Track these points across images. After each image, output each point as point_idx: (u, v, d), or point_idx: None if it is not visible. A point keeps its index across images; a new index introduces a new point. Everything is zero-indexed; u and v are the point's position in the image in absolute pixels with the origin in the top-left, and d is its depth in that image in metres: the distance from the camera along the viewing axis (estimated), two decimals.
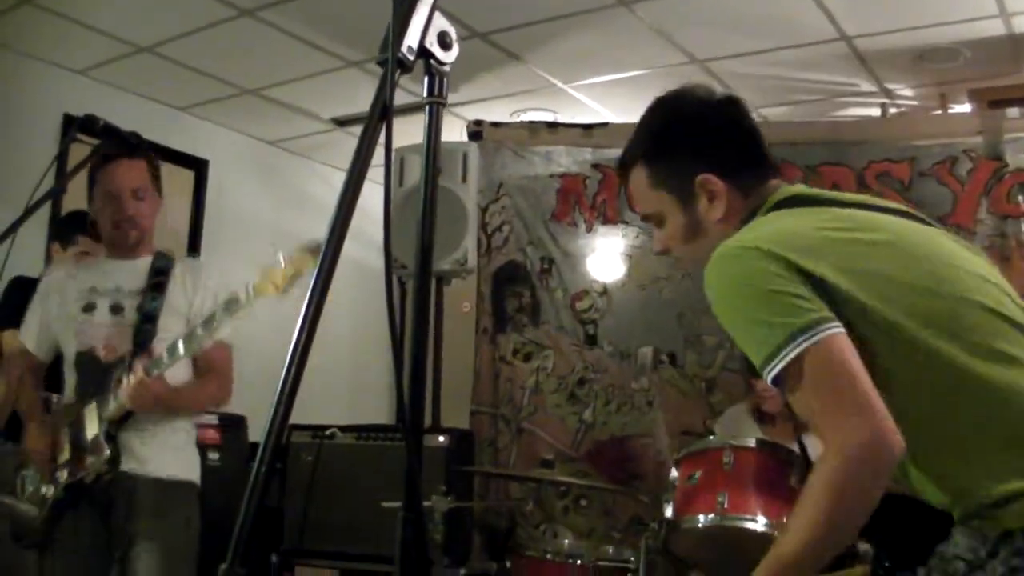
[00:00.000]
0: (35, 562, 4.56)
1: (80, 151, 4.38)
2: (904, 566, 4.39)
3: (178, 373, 4.55)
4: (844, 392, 2.21)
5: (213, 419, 6.87)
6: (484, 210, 7.96)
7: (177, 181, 8.55)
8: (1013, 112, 6.84)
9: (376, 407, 9.50)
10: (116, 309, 4.58)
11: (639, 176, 2.82)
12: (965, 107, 7.54)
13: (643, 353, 7.61)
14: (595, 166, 7.88)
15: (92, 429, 4.42)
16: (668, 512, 4.87)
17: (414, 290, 2.20)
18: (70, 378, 4.63)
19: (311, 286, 1.84)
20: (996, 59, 6.99)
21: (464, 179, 7.49)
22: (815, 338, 2.22)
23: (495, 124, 8.14)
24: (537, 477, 6.50)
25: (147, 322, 4.55)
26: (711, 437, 5.59)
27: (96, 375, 4.52)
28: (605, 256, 7.81)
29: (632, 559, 5.41)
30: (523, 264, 7.94)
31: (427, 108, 2.18)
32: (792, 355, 2.23)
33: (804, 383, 2.24)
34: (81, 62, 7.60)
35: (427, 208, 2.13)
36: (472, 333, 8.03)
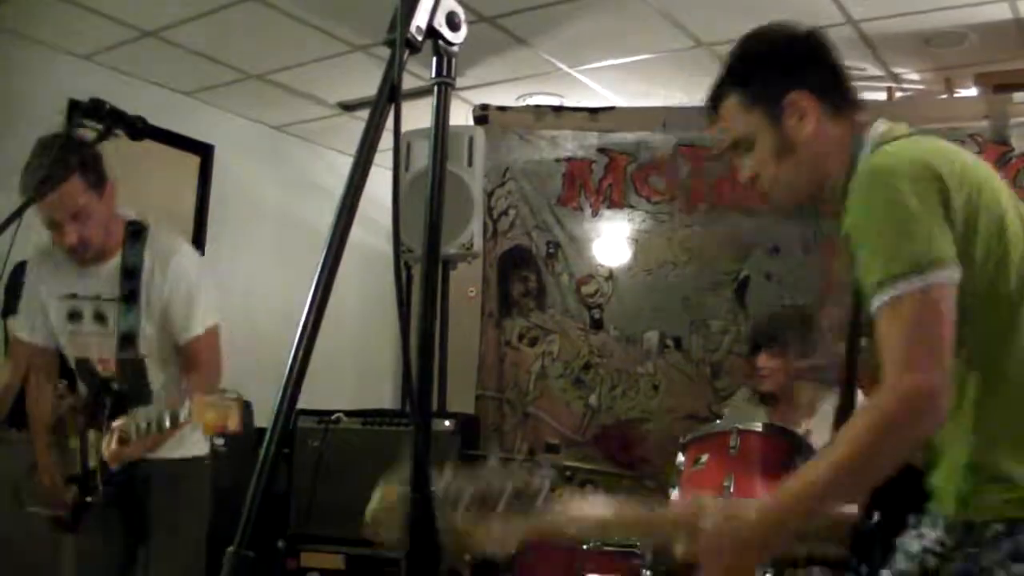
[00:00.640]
0: (70, 544, 4.64)
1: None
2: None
3: (168, 369, 4.63)
4: (931, 345, 2.28)
5: None
6: (490, 194, 7.96)
7: (183, 166, 8.55)
8: (1019, 96, 6.82)
9: (382, 392, 9.51)
10: (100, 318, 4.57)
11: (731, 102, 2.88)
12: (971, 91, 7.52)
13: (649, 337, 7.61)
14: (601, 150, 7.87)
15: (93, 461, 4.46)
16: (674, 496, 4.87)
17: (421, 269, 2.19)
18: (79, 379, 4.68)
19: (318, 270, 1.83)
20: (1002, 43, 6.97)
21: (470, 163, 7.50)
22: (928, 282, 2.29)
23: (501, 108, 8.13)
24: (543, 461, 6.51)
25: (126, 344, 4.53)
26: (717, 422, 5.57)
27: (96, 389, 4.58)
28: (611, 240, 7.81)
29: (638, 544, 5.41)
30: (529, 248, 7.94)
31: (435, 88, 2.17)
32: (901, 293, 2.30)
33: (899, 321, 2.32)
34: (86, 47, 7.58)
35: (435, 189, 2.12)
36: (478, 318, 8.04)
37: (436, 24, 2.09)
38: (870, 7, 6.60)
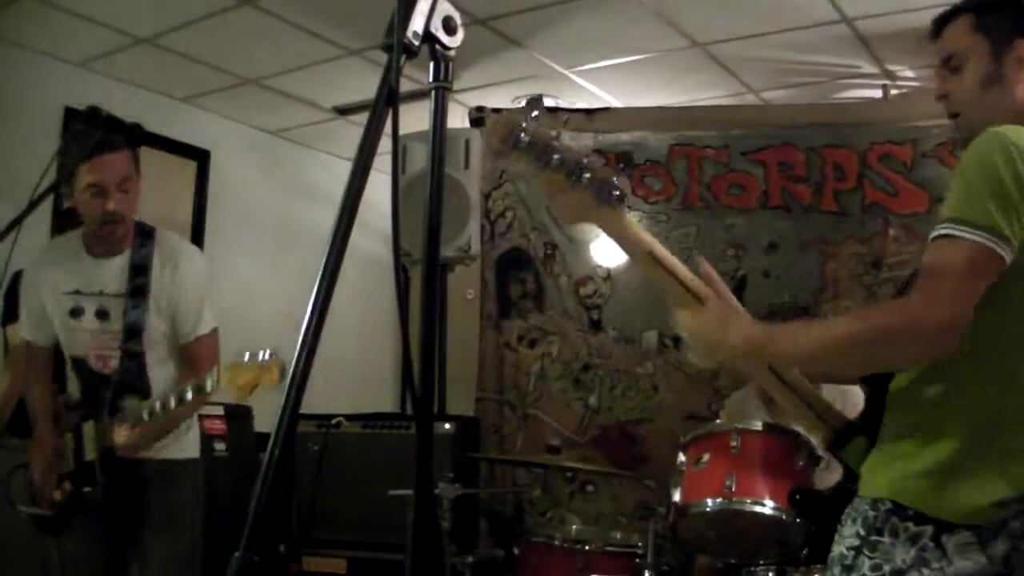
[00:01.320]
0: (57, 545, 4.63)
1: None
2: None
3: (167, 367, 4.63)
4: (961, 290, 2.48)
5: (219, 410, 6.87)
6: (487, 196, 7.97)
7: (179, 172, 8.55)
8: None
9: (382, 396, 9.51)
10: (102, 314, 4.58)
11: (962, 22, 2.98)
12: None
13: (647, 337, 7.61)
14: (597, 151, 7.86)
15: (90, 453, 4.47)
16: (676, 496, 4.87)
17: (421, 271, 2.20)
18: (73, 377, 4.68)
19: (319, 275, 1.84)
20: None
21: (467, 166, 7.51)
22: (986, 243, 2.47)
23: (497, 110, 8.13)
24: (543, 463, 6.52)
25: (132, 336, 4.55)
26: (718, 421, 5.58)
27: (91, 386, 4.60)
28: (608, 241, 7.78)
29: (640, 544, 5.43)
30: (527, 250, 7.95)
31: (433, 93, 2.18)
32: (963, 235, 2.49)
33: (947, 257, 2.51)
34: (81, 54, 7.58)
35: (434, 192, 2.13)
36: (476, 320, 8.04)
37: (433, 29, 2.11)
38: (864, 5, 6.60)
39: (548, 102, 8.31)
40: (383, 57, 2.03)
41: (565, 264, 7.86)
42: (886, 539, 2.62)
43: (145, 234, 4.73)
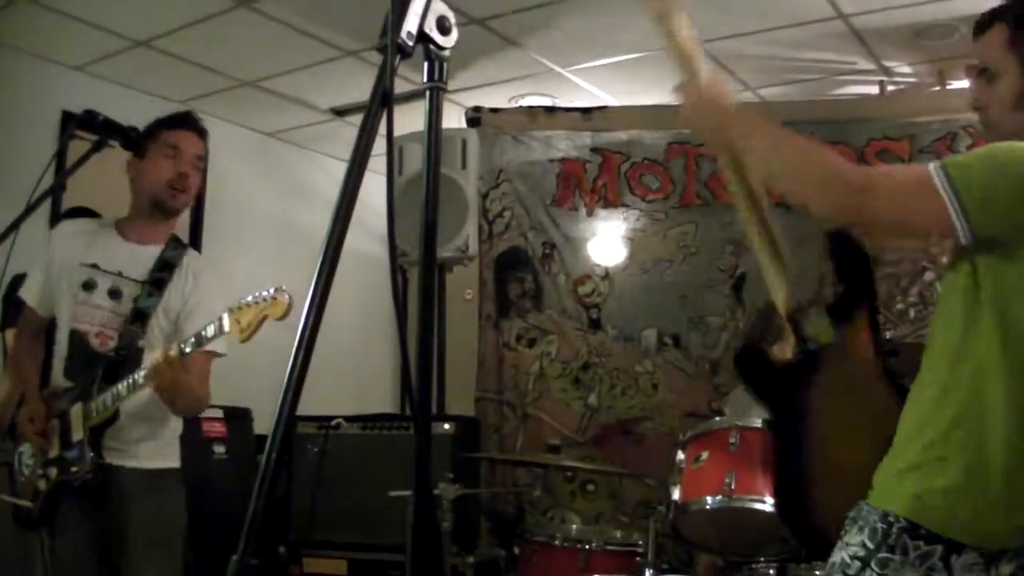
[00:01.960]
0: (39, 543, 4.61)
1: (79, 147, 4.35)
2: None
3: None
4: (895, 193, 2.76)
5: (218, 412, 6.87)
6: (484, 196, 7.97)
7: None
8: None
9: (381, 397, 9.50)
10: (115, 294, 4.56)
11: (998, 32, 2.97)
12: (963, 83, 7.52)
13: (647, 336, 7.62)
14: (595, 150, 7.88)
15: (78, 432, 4.44)
16: (675, 495, 4.88)
17: (418, 272, 2.20)
18: (61, 349, 4.62)
19: (315, 276, 1.84)
20: None
21: (464, 166, 7.50)
22: (950, 193, 2.62)
23: (494, 110, 8.14)
24: (543, 462, 6.52)
25: (136, 320, 4.54)
26: (717, 419, 5.58)
27: (85, 362, 4.54)
28: (606, 240, 7.82)
29: (640, 543, 5.42)
30: (525, 249, 7.95)
31: (427, 93, 2.18)
32: (935, 176, 2.65)
33: (914, 171, 2.75)
34: (78, 58, 7.58)
35: (430, 192, 2.12)
36: (475, 320, 8.05)
37: (427, 29, 2.11)
38: (861, 1, 6.60)
39: (545, 101, 8.32)
40: (380, 58, 2.04)
41: (563, 263, 7.87)
42: (896, 557, 2.62)
43: (178, 242, 4.81)
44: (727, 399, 6.64)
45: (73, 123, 4.36)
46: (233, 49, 7.52)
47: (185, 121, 4.69)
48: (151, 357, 4.22)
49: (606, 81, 8.09)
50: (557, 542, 5.68)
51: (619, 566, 5.42)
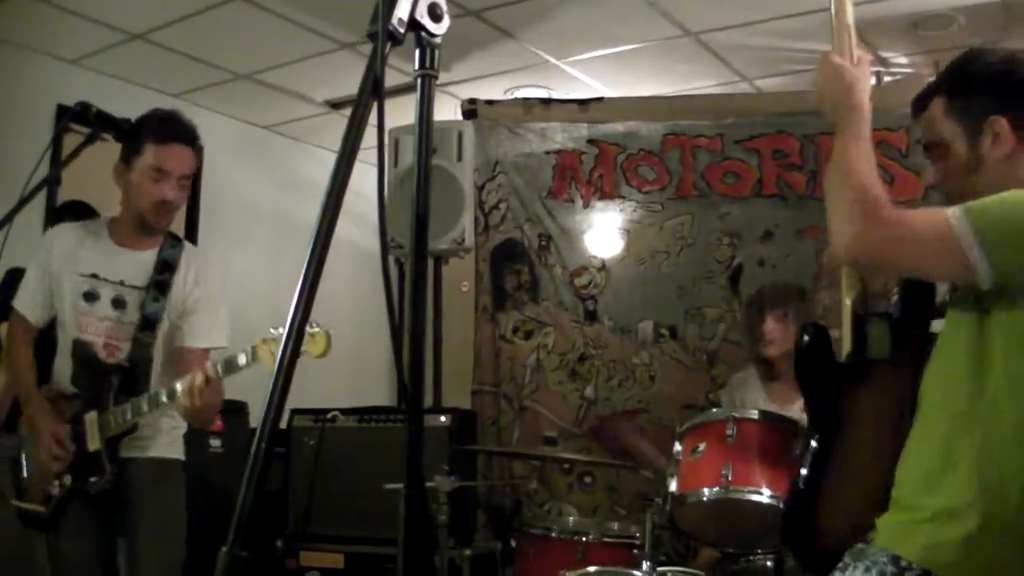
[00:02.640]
0: (43, 544, 4.60)
1: (74, 140, 4.33)
2: None
3: (155, 367, 4.63)
4: (914, 244, 2.77)
5: None
6: (480, 188, 7.96)
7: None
8: None
9: (377, 389, 9.49)
10: (118, 303, 4.55)
11: (936, 106, 3.07)
12: None
13: (643, 328, 7.62)
14: (591, 141, 7.88)
15: (94, 442, 4.43)
16: (672, 486, 4.87)
17: (409, 262, 2.18)
18: (64, 361, 4.59)
19: (304, 267, 1.82)
20: (990, 25, 6.95)
21: (460, 158, 7.48)
22: (964, 238, 2.63)
23: (489, 102, 8.13)
24: (540, 455, 6.52)
25: (146, 328, 4.54)
26: (714, 410, 5.57)
27: (93, 374, 4.53)
28: (603, 231, 7.82)
29: (637, 535, 5.41)
30: (521, 241, 7.95)
31: (419, 80, 2.17)
32: (957, 222, 2.66)
33: (935, 219, 2.72)
34: (73, 51, 7.57)
35: (421, 181, 2.11)
36: (472, 312, 8.04)
37: (418, 15, 2.09)
38: None
39: (541, 93, 8.31)
40: None
41: (559, 255, 7.86)
42: None
43: (175, 238, 4.79)
44: (728, 383, 6.63)
45: (67, 116, 4.33)
46: (228, 42, 7.50)
47: (175, 134, 4.53)
48: (189, 378, 4.20)
49: (602, 72, 8.07)
50: (554, 534, 5.67)
51: (616, 558, 5.41)
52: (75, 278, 4.56)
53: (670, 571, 5.19)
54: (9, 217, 3.83)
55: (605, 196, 7.82)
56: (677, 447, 5.00)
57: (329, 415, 6.90)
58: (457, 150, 7.48)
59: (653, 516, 5.08)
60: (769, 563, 4.99)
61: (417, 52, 2.17)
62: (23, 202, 3.97)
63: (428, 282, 7.35)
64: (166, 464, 4.67)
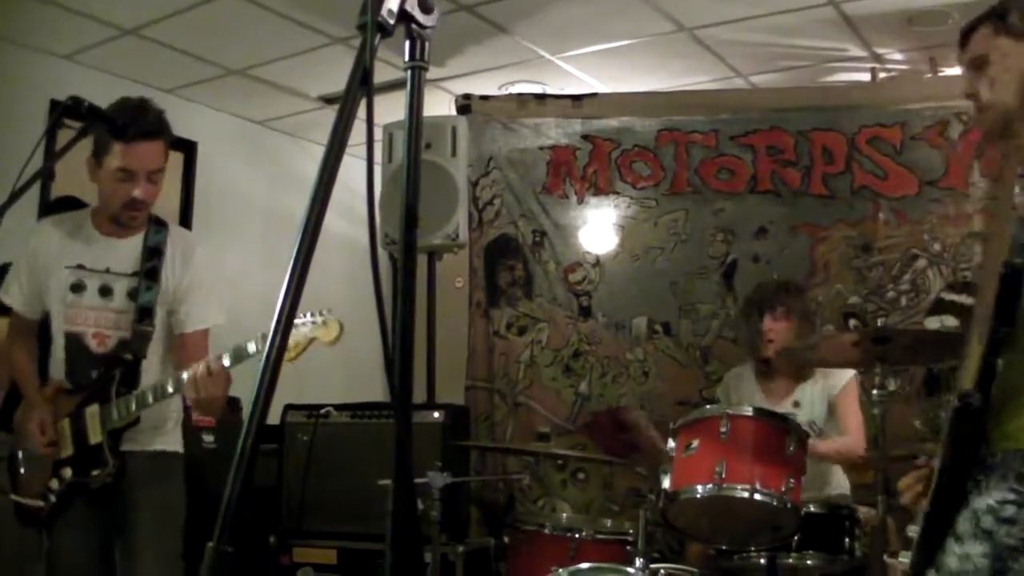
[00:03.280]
0: (38, 541, 4.59)
1: (67, 135, 4.31)
2: None
3: (158, 353, 4.62)
4: None
5: None
6: (474, 184, 7.96)
7: (167, 163, 8.53)
8: None
9: (370, 385, 9.48)
10: (105, 291, 4.54)
11: (983, 32, 3.13)
12: (955, 70, 7.49)
13: (637, 323, 7.62)
14: (585, 137, 7.88)
15: (96, 435, 4.42)
16: (666, 483, 4.87)
17: (399, 252, 2.17)
18: (58, 356, 4.60)
19: (292, 261, 1.82)
20: None
21: (454, 153, 7.46)
22: None
23: (484, 97, 8.13)
24: (533, 451, 6.51)
25: (144, 317, 4.53)
26: (708, 407, 5.57)
27: (86, 365, 4.53)
28: (597, 227, 7.82)
29: (631, 531, 5.41)
30: (515, 237, 7.95)
31: (409, 73, 2.15)
32: None
33: None
34: (66, 47, 7.55)
35: (411, 175, 2.10)
36: (465, 308, 8.04)
37: (408, 7, 2.08)
38: None
39: (535, 88, 8.30)
40: None
41: (553, 251, 7.87)
42: None
43: (159, 223, 4.77)
44: (721, 384, 6.63)
45: (59, 111, 4.31)
46: (221, 37, 7.49)
47: (140, 131, 4.43)
48: (192, 368, 4.21)
49: (596, 68, 8.07)
50: (547, 531, 5.67)
51: (609, 555, 5.40)
52: (62, 271, 4.55)
53: (663, 568, 5.19)
54: (1, 211, 3.81)
55: (599, 192, 7.82)
56: (671, 444, 5.00)
57: (322, 411, 6.89)
58: (451, 145, 7.47)
59: (646, 513, 5.08)
60: (763, 560, 4.99)
61: (407, 44, 2.16)
62: (15, 196, 3.95)
63: (422, 278, 7.41)
64: (166, 457, 4.67)
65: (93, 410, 4.43)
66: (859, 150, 7.17)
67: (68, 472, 4.44)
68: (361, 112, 2.00)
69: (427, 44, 2.15)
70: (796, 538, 4.91)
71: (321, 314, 4.00)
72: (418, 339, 2.13)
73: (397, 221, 2.06)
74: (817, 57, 7.69)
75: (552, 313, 7.83)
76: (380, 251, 2.14)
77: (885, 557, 4.42)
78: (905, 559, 2.89)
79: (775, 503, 4.59)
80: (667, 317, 7.57)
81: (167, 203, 8.41)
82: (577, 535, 5.53)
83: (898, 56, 7.61)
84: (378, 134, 7.45)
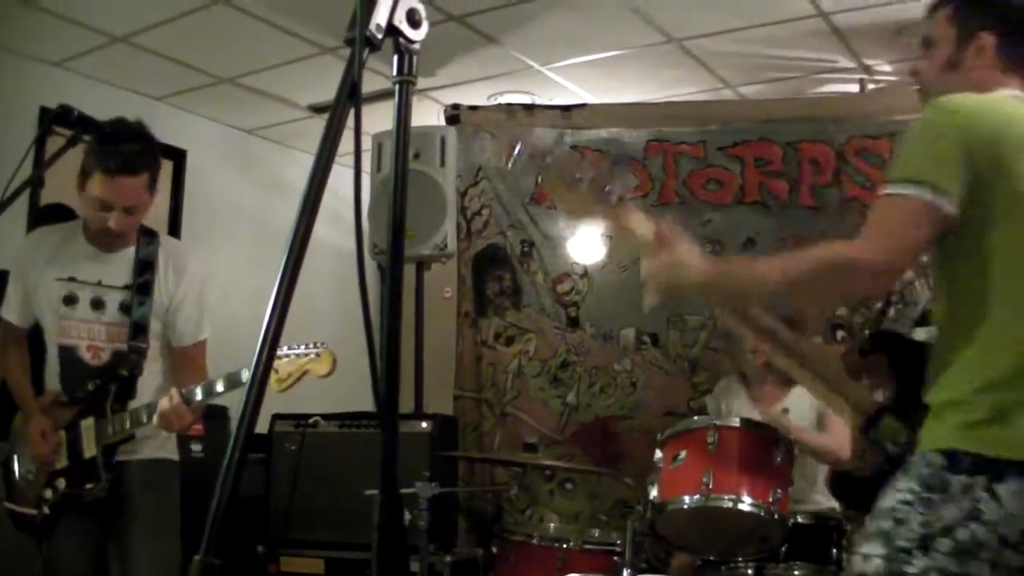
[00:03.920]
0: (35, 547, 4.59)
1: (57, 143, 4.31)
2: None
3: (154, 366, 4.60)
4: (900, 240, 2.78)
5: None
6: (463, 194, 7.96)
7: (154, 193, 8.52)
8: None
9: (358, 395, 9.42)
10: (97, 304, 4.55)
11: (943, 12, 3.27)
12: None
13: (625, 334, 7.62)
14: (574, 147, 7.87)
15: (90, 449, 4.43)
16: (653, 494, 4.88)
17: (387, 262, 2.18)
18: (52, 367, 4.61)
19: (280, 271, 1.82)
20: None
21: (443, 163, 7.47)
22: (923, 196, 2.74)
23: (472, 108, 8.13)
24: (521, 461, 6.51)
25: (139, 333, 4.53)
26: (695, 418, 5.57)
27: (81, 377, 4.54)
28: (585, 238, 7.81)
29: (618, 542, 5.41)
30: (503, 247, 7.95)
31: (397, 87, 2.16)
32: (903, 192, 2.78)
33: (889, 212, 2.83)
34: (56, 54, 7.54)
35: (398, 186, 2.10)
36: (454, 318, 8.04)
37: (396, 21, 2.09)
38: None
39: (524, 99, 8.31)
40: None
41: (542, 261, 7.86)
42: (936, 496, 2.65)
43: (149, 233, 4.74)
44: (711, 395, 6.64)
45: (49, 118, 4.32)
46: (211, 46, 7.49)
47: (121, 165, 4.36)
48: (162, 402, 4.24)
49: (585, 79, 8.07)
50: (535, 541, 5.68)
51: (597, 565, 5.41)
52: (53, 283, 4.55)
53: None
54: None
55: None
56: (658, 454, 5.01)
57: (310, 420, 6.88)
58: (440, 155, 7.48)
59: (634, 523, 5.09)
60: (750, 571, 5.00)
61: (395, 58, 2.17)
62: (5, 204, 3.96)
63: (410, 288, 7.41)
64: (160, 465, 4.67)
65: (88, 423, 4.44)
66: (847, 161, 7.18)
67: (62, 483, 4.45)
68: (349, 123, 2.01)
69: (415, 58, 2.17)
70: (783, 549, 4.92)
71: (315, 346, 4.03)
72: (406, 349, 2.14)
73: (385, 231, 2.07)
74: (806, 68, 7.70)
75: (540, 323, 7.83)
76: (368, 261, 2.14)
77: None
78: None
79: (762, 514, 4.61)
80: (655, 328, 7.57)
81: (156, 211, 8.39)
82: (565, 545, 5.55)
83: (886, 67, 7.62)
84: (367, 143, 7.46)
